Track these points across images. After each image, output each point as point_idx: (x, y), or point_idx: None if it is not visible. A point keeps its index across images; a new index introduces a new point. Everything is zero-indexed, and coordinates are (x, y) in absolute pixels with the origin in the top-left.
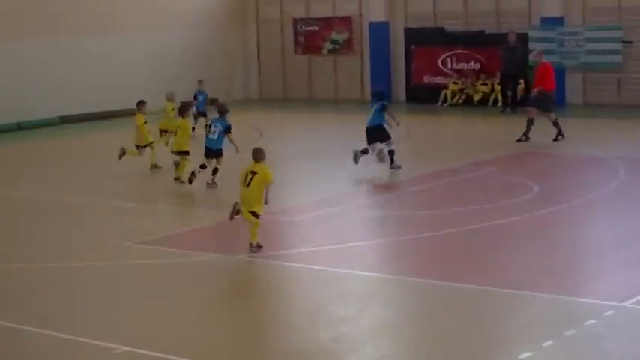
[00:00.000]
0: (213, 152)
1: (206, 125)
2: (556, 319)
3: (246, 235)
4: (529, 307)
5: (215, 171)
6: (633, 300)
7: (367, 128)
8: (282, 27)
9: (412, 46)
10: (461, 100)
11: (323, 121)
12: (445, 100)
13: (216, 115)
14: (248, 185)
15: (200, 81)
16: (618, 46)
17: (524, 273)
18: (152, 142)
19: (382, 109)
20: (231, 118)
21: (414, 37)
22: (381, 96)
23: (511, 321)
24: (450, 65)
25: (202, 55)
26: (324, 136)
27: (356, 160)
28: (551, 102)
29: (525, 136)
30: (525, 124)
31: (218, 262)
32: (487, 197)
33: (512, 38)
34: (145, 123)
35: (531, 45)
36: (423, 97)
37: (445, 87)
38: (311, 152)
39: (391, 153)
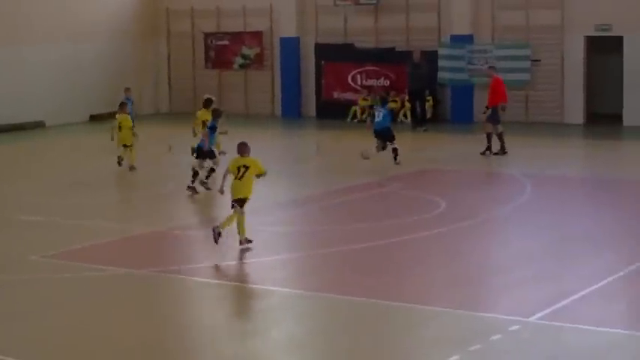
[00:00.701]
0: (203, 152)
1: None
2: (461, 334)
3: (152, 250)
4: (435, 322)
5: (211, 171)
6: (538, 315)
7: (377, 130)
8: (194, 41)
9: (322, 62)
10: (370, 117)
11: (233, 136)
12: (355, 116)
13: None
14: (241, 178)
15: (127, 89)
16: (527, 64)
17: (431, 288)
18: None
19: (391, 112)
20: (140, 132)
21: (325, 52)
22: (386, 101)
23: (418, 336)
24: (359, 81)
25: (113, 68)
26: (234, 151)
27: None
28: (498, 115)
29: (488, 150)
30: (486, 138)
31: (123, 276)
32: (395, 213)
33: (416, 55)
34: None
35: (440, 62)
36: (333, 112)
37: (355, 103)
38: (220, 166)
39: (395, 151)
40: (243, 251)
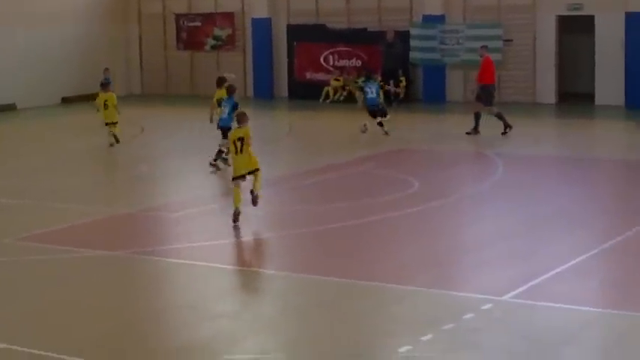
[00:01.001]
0: (227, 131)
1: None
2: (434, 314)
3: (124, 232)
4: (407, 301)
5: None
6: (511, 294)
7: (373, 105)
8: (165, 22)
9: (294, 43)
10: (342, 97)
11: (205, 118)
12: (327, 96)
13: None
14: (241, 152)
15: (106, 69)
16: (499, 44)
17: (403, 267)
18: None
19: (380, 88)
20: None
21: (296, 33)
22: (372, 77)
23: (390, 315)
24: (332, 62)
25: (85, 50)
26: (206, 133)
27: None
28: (489, 96)
29: (475, 130)
30: (473, 117)
31: (96, 258)
32: (367, 193)
33: (390, 35)
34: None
35: (412, 43)
36: (305, 93)
37: (327, 84)
38: (192, 148)
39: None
40: (219, 230)
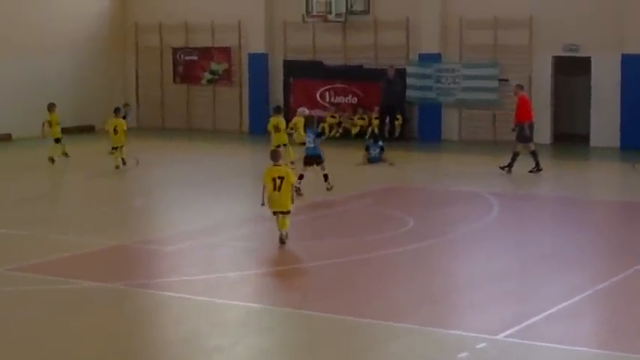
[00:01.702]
0: (313, 159)
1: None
2: (428, 352)
3: (117, 264)
4: (403, 339)
5: (326, 177)
6: (505, 333)
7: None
8: (162, 56)
9: (290, 79)
10: (338, 134)
11: (201, 151)
12: (322, 133)
13: None
14: (279, 189)
15: (126, 104)
16: (494, 84)
17: (398, 305)
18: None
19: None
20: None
21: (293, 69)
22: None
23: (385, 353)
24: (328, 99)
25: (81, 82)
26: (202, 166)
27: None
28: (525, 133)
29: (509, 167)
30: (511, 156)
31: (90, 290)
32: (363, 230)
33: (391, 72)
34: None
35: (409, 81)
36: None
37: (323, 120)
38: (188, 181)
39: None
40: (214, 264)
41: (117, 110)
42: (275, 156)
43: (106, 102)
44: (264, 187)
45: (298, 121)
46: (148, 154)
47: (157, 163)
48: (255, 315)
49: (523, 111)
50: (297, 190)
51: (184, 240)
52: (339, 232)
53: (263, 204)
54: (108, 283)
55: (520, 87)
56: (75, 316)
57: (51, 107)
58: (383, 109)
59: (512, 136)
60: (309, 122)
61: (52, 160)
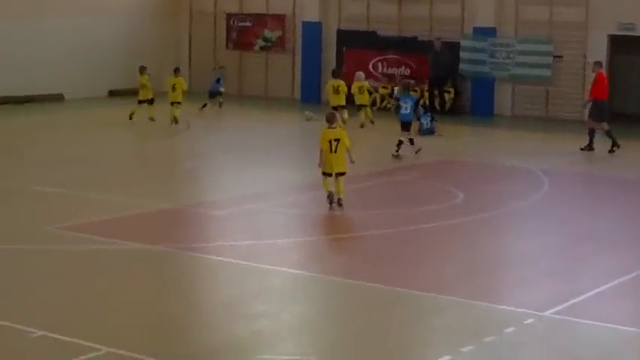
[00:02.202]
0: (409, 124)
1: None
2: (476, 325)
3: (167, 227)
4: (449, 311)
5: (412, 141)
6: (553, 310)
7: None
8: (215, 21)
9: (344, 48)
10: (389, 105)
11: (252, 118)
12: (374, 103)
13: None
14: (335, 151)
15: (222, 67)
16: (549, 60)
17: (445, 278)
18: (153, 99)
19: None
20: (160, 111)
21: (346, 39)
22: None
23: (431, 324)
24: (380, 69)
25: (134, 45)
26: (253, 133)
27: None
28: (601, 112)
29: (589, 146)
30: (587, 134)
31: (138, 251)
32: (412, 202)
33: (438, 44)
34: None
35: (462, 54)
36: (353, 99)
37: (375, 90)
38: (238, 147)
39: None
40: (262, 230)
41: (176, 70)
42: (331, 118)
43: (158, 65)
44: (321, 150)
45: (361, 85)
46: (199, 118)
47: (207, 128)
48: (301, 282)
49: (600, 87)
50: (397, 156)
51: (233, 205)
52: (387, 204)
53: (320, 165)
54: (155, 245)
55: (599, 64)
56: (120, 277)
57: (141, 69)
58: (431, 82)
59: (566, 113)
60: (406, 89)
61: (152, 119)
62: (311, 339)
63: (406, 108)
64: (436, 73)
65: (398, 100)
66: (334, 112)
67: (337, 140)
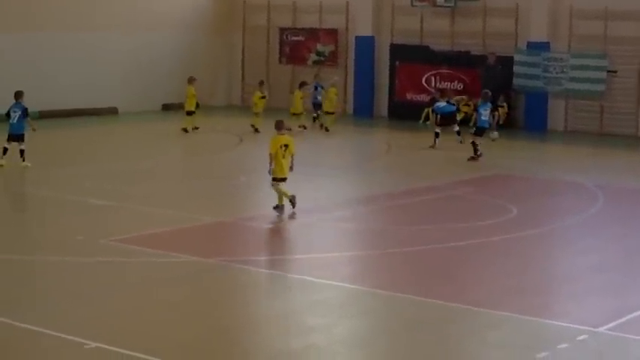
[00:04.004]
0: (482, 131)
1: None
2: (528, 341)
3: (219, 240)
4: (502, 327)
5: (475, 145)
6: (607, 326)
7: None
8: (269, 36)
9: (396, 62)
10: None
11: (304, 132)
12: (427, 118)
13: None
14: (284, 157)
15: (316, 75)
16: (602, 75)
17: (498, 293)
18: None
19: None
20: (211, 123)
21: (399, 53)
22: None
23: (484, 340)
24: (433, 84)
25: (188, 59)
26: (305, 147)
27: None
28: None
29: None
30: None
31: (191, 264)
32: (465, 216)
33: (492, 59)
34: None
35: (516, 69)
36: (405, 114)
37: (428, 105)
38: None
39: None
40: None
41: (261, 83)
42: (279, 125)
43: (212, 80)
44: (270, 155)
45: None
46: (251, 132)
47: (259, 142)
48: (354, 296)
49: None
50: (477, 158)
51: (285, 218)
52: (441, 218)
53: (270, 172)
54: (208, 258)
55: None
56: (172, 290)
57: (190, 80)
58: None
59: (621, 129)
60: (487, 99)
61: (184, 130)
62: (363, 353)
63: (485, 115)
64: (488, 88)
65: (478, 108)
66: (282, 119)
67: (286, 146)
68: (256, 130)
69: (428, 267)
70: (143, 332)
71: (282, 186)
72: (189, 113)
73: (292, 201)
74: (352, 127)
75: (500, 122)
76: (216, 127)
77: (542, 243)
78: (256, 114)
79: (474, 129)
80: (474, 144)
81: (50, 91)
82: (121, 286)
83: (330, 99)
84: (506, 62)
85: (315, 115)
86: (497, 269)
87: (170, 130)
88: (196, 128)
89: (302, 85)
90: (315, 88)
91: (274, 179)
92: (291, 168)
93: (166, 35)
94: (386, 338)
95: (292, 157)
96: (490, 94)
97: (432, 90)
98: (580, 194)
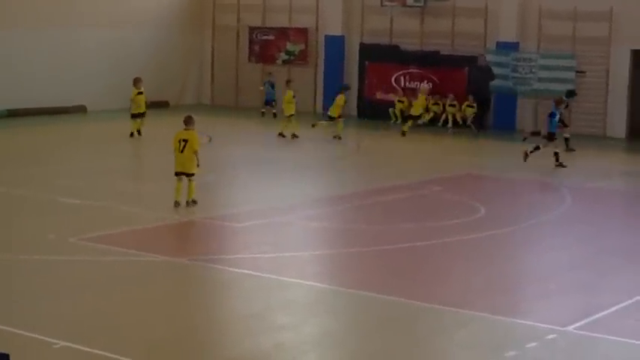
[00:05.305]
0: (554, 135)
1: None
2: (497, 340)
3: (189, 239)
4: (470, 326)
5: (537, 148)
6: (575, 325)
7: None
8: (238, 35)
9: (366, 62)
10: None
11: (274, 131)
12: (396, 117)
13: None
14: (182, 151)
15: (269, 73)
16: (571, 75)
17: (467, 292)
18: (144, 112)
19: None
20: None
21: (369, 53)
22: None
23: (453, 339)
24: (403, 83)
25: (157, 57)
26: (274, 145)
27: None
28: None
29: None
30: None
31: (160, 263)
32: (433, 215)
33: (481, 60)
34: (140, 94)
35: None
36: (374, 113)
37: (394, 105)
38: (260, 160)
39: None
40: (283, 242)
41: (288, 82)
42: (186, 120)
43: (182, 79)
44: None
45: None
46: (221, 131)
47: (229, 141)
48: (323, 295)
49: None
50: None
51: (254, 218)
52: (409, 217)
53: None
54: (177, 257)
55: None
56: (142, 289)
57: (136, 81)
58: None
59: (590, 129)
60: (560, 103)
61: (132, 135)
62: (333, 352)
63: (557, 120)
64: (478, 89)
65: (552, 113)
66: (191, 115)
67: (185, 141)
68: (294, 136)
69: (396, 266)
70: (112, 331)
71: (185, 181)
72: (135, 116)
73: (177, 203)
74: (321, 126)
75: (468, 122)
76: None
77: (510, 242)
78: (289, 117)
79: (547, 134)
80: (556, 154)
81: (18, 89)
82: (90, 286)
83: (338, 105)
84: (475, 62)
85: (263, 110)
86: (466, 268)
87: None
88: (139, 133)
89: (287, 82)
90: (266, 85)
91: (175, 173)
92: (197, 165)
93: (135, 33)
94: (355, 337)
95: (195, 153)
96: (564, 98)
97: (401, 90)
98: (548, 194)
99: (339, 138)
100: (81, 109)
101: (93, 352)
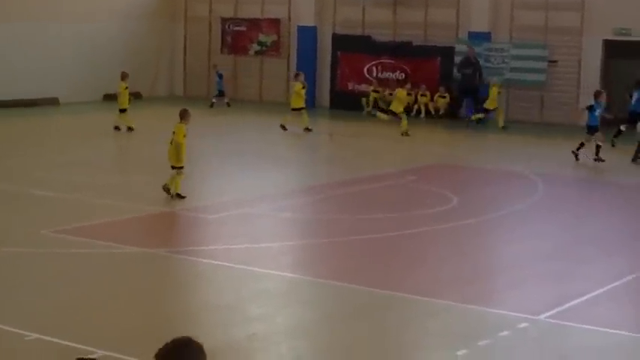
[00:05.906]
0: (596, 128)
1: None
2: (469, 329)
3: (163, 231)
4: (443, 315)
5: (581, 145)
6: (547, 314)
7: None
8: (210, 26)
9: (338, 53)
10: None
11: (246, 121)
12: (367, 104)
13: None
14: (171, 143)
15: (215, 65)
16: (543, 65)
17: (439, 282)
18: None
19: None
20: (155, 115)
21: (341, 43)
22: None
23: (425, 328)
24: (375, 74)
25: (130, 49)
26: (246, 136)
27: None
28: None
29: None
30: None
31: (133, 255)
32: (406, 205)
33: (471, 53)
34: (126, 88)
35: (457, 59)
36: (346, 104)
37: (368, 95)
38: (232, 152)
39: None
40: (257, 234)
41: (296, 75)
42: (179, 114)
43: (154, 70)
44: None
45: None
46: (194, 123)
47: (201, 133)
48: (295, 286)
49: None
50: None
51: (227, 209)
52: (382, 207)
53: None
54: (150, 249)
55: None
56: (116, 281)
57: (123, 76)
58: (465, 90)
59: (560, 119)
60: (597, 97)
61: (117, 128)
62: (305, 342)
63: (598, 113)
64: (470, 84)
65: (592, 106)
66: (187, 108)
67: (173, 133)
68: (307, 129)
69: (368, 256)
70: (84, 323)
71: (174, 173)
72: (123, 111)
73: (165, 189)
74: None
75: (441, 112)
76: (160, 117)
77: (482, 232)
78: (295, 111)
79: (587, 128)
80: (597, 146)
81: None
82: (63, 277)
83: (298, 94)
84: (448, 53)
85: (213, 101)
86: (438, 258)
87: (112, 120)
88: (130, 129)
89: (296, 75)
90: (221, 77)
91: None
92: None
93: (108, 24)
94: (327, 327)
95: (178, 146)
96: (602, 92)
97: (374, 80)
98: (520, 183)
99: (310, 130)
100: (53, 102)
101: (65, 344)
